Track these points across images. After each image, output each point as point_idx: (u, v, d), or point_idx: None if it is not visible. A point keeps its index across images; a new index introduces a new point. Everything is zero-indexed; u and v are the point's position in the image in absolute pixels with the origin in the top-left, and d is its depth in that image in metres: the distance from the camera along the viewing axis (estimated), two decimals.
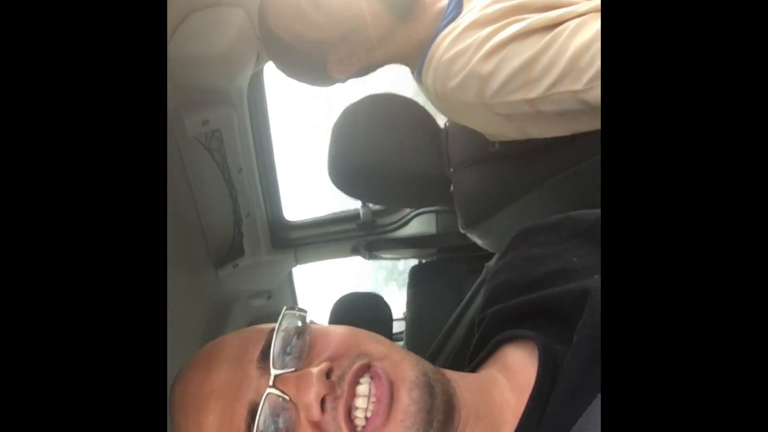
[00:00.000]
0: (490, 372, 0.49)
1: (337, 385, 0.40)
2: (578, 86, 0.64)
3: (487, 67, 0.68)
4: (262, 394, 0.40)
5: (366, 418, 0.40)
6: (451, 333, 1.20)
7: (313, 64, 0.81)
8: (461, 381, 0.45)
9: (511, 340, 0.50)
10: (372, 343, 0.44)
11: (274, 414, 0.40)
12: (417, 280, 1.61)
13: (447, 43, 0.72)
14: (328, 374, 0.41)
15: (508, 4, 0.71)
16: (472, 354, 0.55)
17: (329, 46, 0.78)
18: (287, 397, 0.40)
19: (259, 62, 1.00)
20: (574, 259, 0.50)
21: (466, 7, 0.76)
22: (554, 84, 0.66)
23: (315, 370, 0.40)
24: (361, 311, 1.43)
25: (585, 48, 0.63)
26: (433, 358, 0.94)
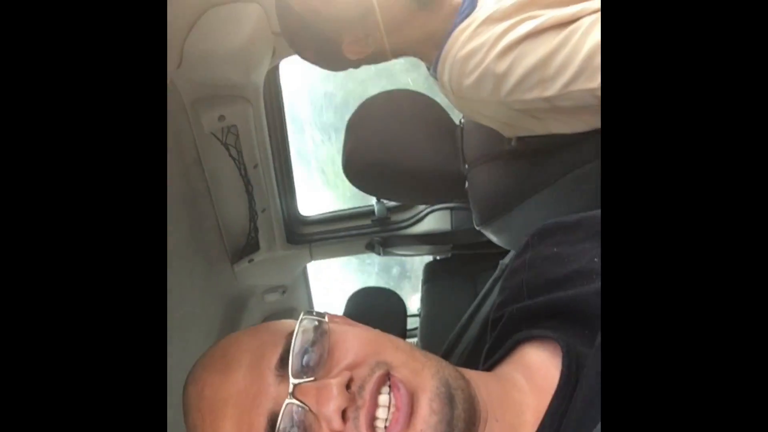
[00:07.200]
0: (509, 372, 0.48)
1: (357, 395, 0.40)
2: (594, 84, 0.63)
3: (502, 65, 0.68)
4: (282, 404, 0.39)
5: (386, 428, 0.39)
6: (465, 330, 1.20)
7: (329, 44, 0.80)
8: (480, 381, 0.45)
9: (530, 339, 0.49)
10: (392, 349, 0.43)
11: (294, 424, 0.39)
12: (431, 276, 1.61)
13: (462, 39, 0.72)
14: (348, 384, 0.40)
15: None
16: (488, 352, 0.55)
17: (346, 24, 0.77)
18: (307, 407, 0.39)
19: (275, 58, 1.00)
20: (595, 260, 0.49)
21: (481, 2, 0.75)
22: (569, 82, 0.65)
23: (335, 381, 0.39)
24: (376, 306, 1.43)
25: (600, 45, 0.61)
26: (447, 356, 0.93)
